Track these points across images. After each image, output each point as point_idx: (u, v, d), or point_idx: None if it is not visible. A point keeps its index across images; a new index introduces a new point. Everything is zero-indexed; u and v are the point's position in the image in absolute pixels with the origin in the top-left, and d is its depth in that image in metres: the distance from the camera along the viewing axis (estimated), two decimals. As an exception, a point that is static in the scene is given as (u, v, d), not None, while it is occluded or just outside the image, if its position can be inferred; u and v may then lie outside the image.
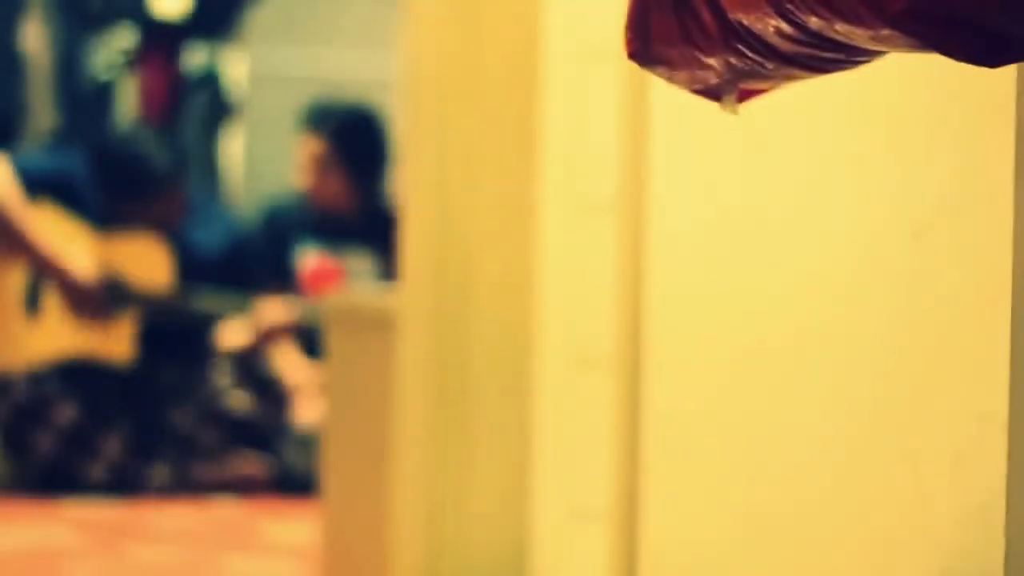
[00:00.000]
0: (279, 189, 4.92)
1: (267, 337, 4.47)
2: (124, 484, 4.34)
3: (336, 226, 4.77)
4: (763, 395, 1.67)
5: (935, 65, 0.83)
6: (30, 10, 6.01)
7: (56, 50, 6.04)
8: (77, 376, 4.40)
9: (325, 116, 4.72)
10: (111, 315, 4.38)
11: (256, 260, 4.65)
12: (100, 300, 4.35)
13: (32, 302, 4.41)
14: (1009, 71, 1.13)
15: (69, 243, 4.41)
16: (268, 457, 4.46)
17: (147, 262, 4.45)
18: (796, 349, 1.63)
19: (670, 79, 0.94)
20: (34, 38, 6.01)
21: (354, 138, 4.71)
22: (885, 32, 0.82)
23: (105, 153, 4.51)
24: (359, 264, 4.76)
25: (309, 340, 4.60)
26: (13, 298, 4.43)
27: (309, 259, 4.76)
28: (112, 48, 6.16)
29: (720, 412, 1.74)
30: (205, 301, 4.44)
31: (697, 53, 0.91)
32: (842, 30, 0.84)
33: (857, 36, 0.84)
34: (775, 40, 0.87)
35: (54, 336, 4.39)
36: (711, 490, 1.75)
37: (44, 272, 4.35)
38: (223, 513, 4.15)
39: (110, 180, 4.42)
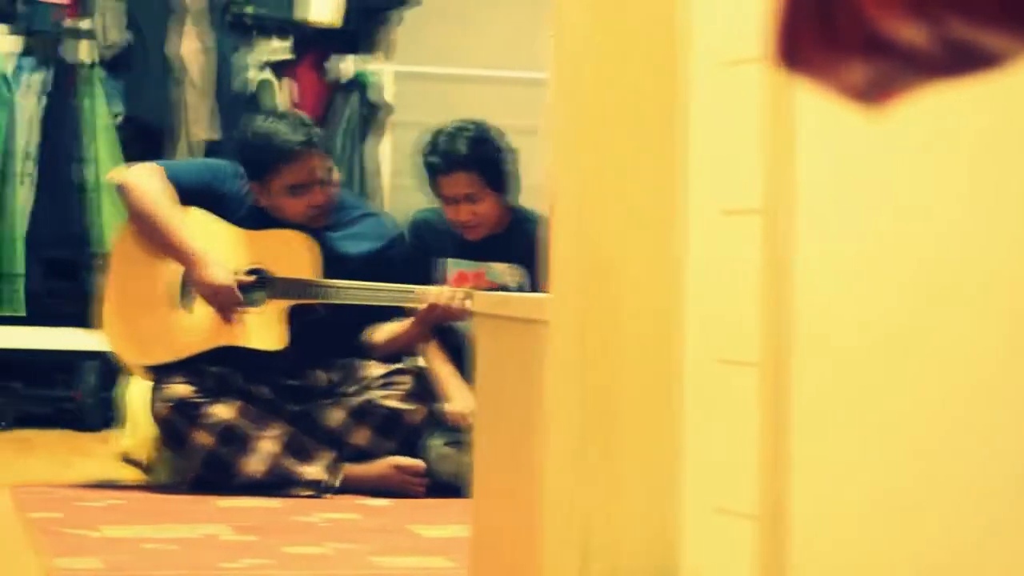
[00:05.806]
0: (424, 202, 4.91)
1: (417, 334, 4.50)
2: (279, 481, 4.39)
3: (482, 245, 4.74)
4: (911, 393, 1.67)
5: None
6: (183, 20, 6.11)
7: (210, 58, 6.13)
8: (231, 369, 4.46)
9: (458, 144, 4.66)
10: (247, 312, 4.43)
11: (402, 266, 4.67)
12: (238, 300, 4.40)
13: (186, 297, 4.49)
14: None
15: (218, 244, 4.47)
16: (419, 456, 4.49)
17: (297, 260, 4.50)
18: (945, 347, 1.62)
19: (814, 83, 0.95)
20: (188, 47, 6.10)
21: (492, 160, 4.67)
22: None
23: (244, 141, 4.58)
24: (507, 277, 4.74)
25: (456, 340, 4.62)
26: (168, 293, 4.50)
27: (455, 270, 4.75)
28: (265, 56, 6.23)
29: (868, 411, 1.74)
30: (355, 296, 4.47)
31: (840, 58, 0.92)
32: (982, 34, 0.84)
33: (996, 40, 0.84)
34: (915, 44, 0.87)
35: (206, 330, 4.45)
36: (860, 489, 1.75)
37: (188, 271, 4.42)
38: (375, 511, 4.19)
39: (249, 161, 4.48)
